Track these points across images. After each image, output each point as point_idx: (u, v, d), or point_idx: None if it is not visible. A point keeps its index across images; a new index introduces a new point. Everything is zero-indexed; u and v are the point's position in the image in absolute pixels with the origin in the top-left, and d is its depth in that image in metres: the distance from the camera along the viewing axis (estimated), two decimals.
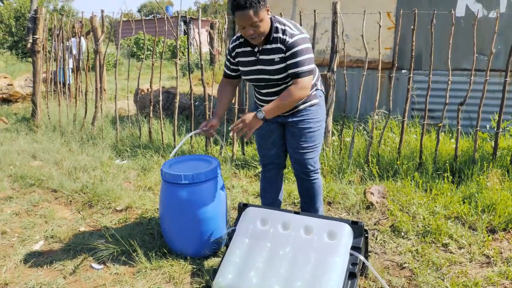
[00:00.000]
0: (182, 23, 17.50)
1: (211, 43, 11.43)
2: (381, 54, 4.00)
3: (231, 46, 2.49)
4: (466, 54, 4.55)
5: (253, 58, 2.41)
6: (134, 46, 16.62)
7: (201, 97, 5.62)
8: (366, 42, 3.89)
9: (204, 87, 4.50)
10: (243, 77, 2.57)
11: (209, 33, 11.24)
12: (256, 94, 2.62)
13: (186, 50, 4.32)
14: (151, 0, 44.44)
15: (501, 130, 3.60)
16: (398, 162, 3.70)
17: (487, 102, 3.81)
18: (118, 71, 5.42)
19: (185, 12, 15.35)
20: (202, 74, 4.52)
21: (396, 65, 3.89)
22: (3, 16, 14.66)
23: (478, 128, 3.63)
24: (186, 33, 14.86)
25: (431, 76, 3.73)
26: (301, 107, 2.49)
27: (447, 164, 3.58)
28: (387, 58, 4.98)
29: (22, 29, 14.18)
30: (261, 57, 2.38)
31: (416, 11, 3.66)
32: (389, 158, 3.83)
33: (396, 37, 3.96)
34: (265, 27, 2.25)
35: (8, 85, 7.22)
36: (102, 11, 5.20)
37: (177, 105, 4.62)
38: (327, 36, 4.99)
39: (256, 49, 2.38)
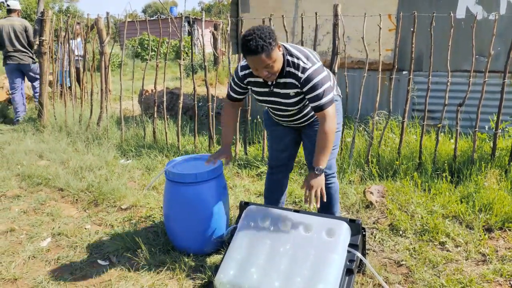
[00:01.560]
0: (186, 24, 17.60)
1: (214, 44, 11.51)
2: (382, 56, 4.06)
3: (241, 73, 2.39)
4: (466, 55, 4.60)
5: (267, 89, 2.37)
6: (139, 47, 16.74)
7: (205, 97, 5.69)
8: (367, 43, 3.94)
9: (207, 87, 4.57)
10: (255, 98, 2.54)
11: (213, 34, 11.32)
12: (272, 114, 2.61)
13: (190, 50, 4.38)
14: (155, 0, 44.63)
15: (499, 130, 3.65)
16: (398, 162, 3.75)
17: (486, 103, 3.86)
18: (123, 71, 5.49)
19: (189, 13, 15.43)
20: (205, 75, 4.60)
21: (396, 66, 3.95)
22: None
23: (477, 129, 3.68)
24: (190, 33, 14.96)
25: (430, 77, 3.79)
26: (313, 118, 2.53)
27: (446, 164, 3.64)
28: (388, 59, 5.03)
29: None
30: (275, 90, 2.35)
31: (416, 13, 3.72)
32: (389, 158, 3.89)
33: (397, 39, 4.02)
34: (278, 65, 2.20)
35: None
36: (108, 13, 5.28)
37: (181, 105, 4.70)
38: (328, 38, 5.05)
39: (269, 82, 2.34)
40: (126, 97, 7.22)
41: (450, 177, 3.51)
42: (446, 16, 3.78)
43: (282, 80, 2.30)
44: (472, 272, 2.42)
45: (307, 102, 2.34)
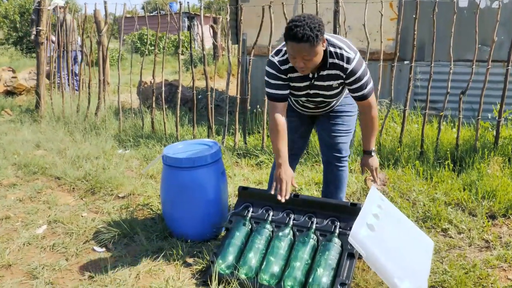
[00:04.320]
0: (186, 19, 17.52)
1: (214, 37, 11.44)
2: (384, 45, 4.01)
3: (282, 68, 2.20)
4: (469, 45, 4.53)
5: (308, 83, 2.26)
6: (138, 42, 16.66)
7: (204, 90, 5.63)
8: (368, 33, 3.88)
9: (206, 76, 4.51)
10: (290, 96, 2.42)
11: (213, 28, 11.25)
12: (298, 104, 2.50)
13: (189, 44, 4.32)
14: None
15: (503, 119, 3.60)
16: (399, 149, 3.70)
17: (488, 93, 3.80)
18: (122, 66, 5.43)
19: (189, 10, 15.34)
20: (204, 64, 4.54)
21: (398, 54, 3.89)
22: (7, 11, 14.70)
23: (480, 117, 3.63)
24: (189, 28, 14.88)
25: (433, 65, 3.73)
26: (337, 103, 2.48)
27: (448, 153, 3.58)
28: (389, 49, 4.97)
29: (27, 24, 14.20)
30: (317, 83, 2.25)
31: (419, 0, 3.66)
32: (390, 147, 3.84)
33: (399, 28, 3.96)
34: (317, 60, 2.08)
35: (12, 77, 7.27)
36: (105, 2, 5.21)
37: (179, 95, 4.64)
38: (329, 27, 4.99)
39: (310, 75, 2.22)
40: (125, 90, 7.18)
41: (452, 165, 3.46)
42: (449, 2, 3.72)
43: (325, 72, 2.19)
44: (475, 258, 2.37)
45: (348, 91, 2.31)
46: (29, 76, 7.39)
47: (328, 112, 2.51)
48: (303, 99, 2.40)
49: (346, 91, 2.47)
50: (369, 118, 2.30)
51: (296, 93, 2.34)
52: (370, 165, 2.41)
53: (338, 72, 2.18)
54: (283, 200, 2.17)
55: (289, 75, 2.24)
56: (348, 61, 2.13)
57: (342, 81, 2.22)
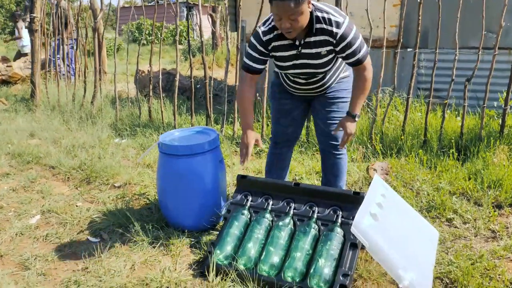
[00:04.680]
0: (185, 9, 17.32)
1: (213, 26, 11.30)
2: (387, 32, 3.90)
3: (265, 38, 2.17)
4: (474, 31, 4.43)
5: (294, 52, 2.18)
6: (136, 31, 16.50)
7: (202, 79, 5.53)
8: (371, 19, 3.77)
9: (204, 65, 4.40)
10: (278, 70, 2.38)
11: (211, 17, 11.10)
12: (288, 80, 2.41)
13: (187, 33, 4.25)
14: None
15: (509, 107, 3.51)
16: (402, 138, 3.61)
17: (494, 81, 3.70)
18: (120, 56, 5.33)
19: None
20: (202, 52, 4.43)
21: (401, 40, 3.79)
22: (3, 1, 14.55)
23: (485, 105, 3.54)
24: (188, 18, 14.70)
25: (437, 51, 3.63)
26: (333, 84, 2.39)
27: (453, 141, 3.50)
28: (392, 36, 4.86)
29: (23, 14, 14.04)
30: (304, 51, 2.16)
31: None
32: (393, 136, 3.75)
33: (402, 14, 3.85)
34: (303, 21, 2.00)
35: (7, 66, 7.16)
36: None
37: (177, 83, 4.54)
38: None
39: (297, 42, 2.14)
40: (122, 80, 7.07)
41: (456, 154, 3.38)
42: None
43: (312, 39, 2.12)
44: (482, 248, 2.29)
45: (341, 59, 2.22)
46: (24, 65, 7.28)
47: (323, 96, 2.42)
48: (291, 72, 2.30)
49: (340, 74, 2.38)
50: (362, 79, 2.18)
51: (282, 64, 2.26)
52: (347, 128, 2.23)
53: (326, 37, 2.09)
54: (242, 164, 2.21)
55: (273, 44, 2.18)
56: (338, 25, 2.05)
57: (331, 48, 2.13)
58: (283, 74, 2.42)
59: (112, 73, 5.26)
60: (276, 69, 2.44)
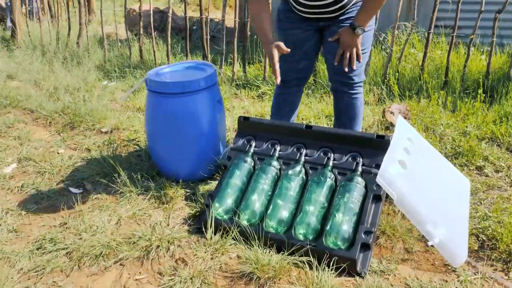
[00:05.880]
0: None
1: None
2: None
3: None
4: None
5: None
6: None
7: (199, 20, 5.01)
8: None
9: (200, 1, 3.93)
10: None
11: None
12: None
13: None
14: None
15: None
16: (424, 76, 3.23)
17: None
18: None
19: None
20: None
21: None
22: None
23: None
24: None
25: None
26: (349, 4, 1.99)
27: (479, 81, 3.12)
28: None
29: None
30: None
31: None
32: (410, 76, 3.37)
33: None
34: None
35: None
36: None
37: (170, 19, 4.09)
38: None
39: None
40: (112, 21, 6.53)
41: (483, 95, 3.02)
42: None
43: None
44: None
45: None
46: (4, 2, 6.70)
47: (337, 26, 2.01)
48: None
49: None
50: None
51: None
52: (345, 40, 1.95)
53: None
54: (277, 81, 1.92)
55: None
56: None
57: None
58: None
59: (99, 10, 4.76)
60: None
